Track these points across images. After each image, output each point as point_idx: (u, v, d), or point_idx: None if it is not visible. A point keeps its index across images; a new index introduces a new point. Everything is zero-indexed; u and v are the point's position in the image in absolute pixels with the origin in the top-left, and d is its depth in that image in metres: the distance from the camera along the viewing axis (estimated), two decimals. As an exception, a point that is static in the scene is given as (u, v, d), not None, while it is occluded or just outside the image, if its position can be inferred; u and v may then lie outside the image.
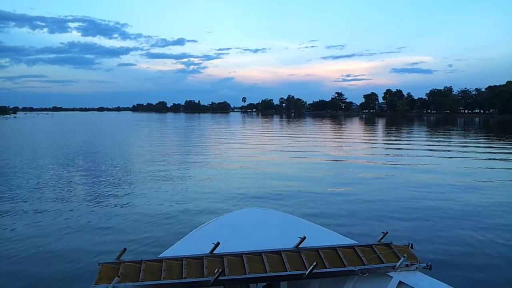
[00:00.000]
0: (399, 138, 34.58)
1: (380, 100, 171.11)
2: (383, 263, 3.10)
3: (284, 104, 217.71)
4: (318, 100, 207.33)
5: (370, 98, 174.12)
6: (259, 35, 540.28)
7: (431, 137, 35.54)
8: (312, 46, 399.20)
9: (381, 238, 3.41)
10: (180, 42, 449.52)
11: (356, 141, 31.72)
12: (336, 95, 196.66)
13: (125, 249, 3.15)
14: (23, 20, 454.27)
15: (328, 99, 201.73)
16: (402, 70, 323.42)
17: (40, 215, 9.22)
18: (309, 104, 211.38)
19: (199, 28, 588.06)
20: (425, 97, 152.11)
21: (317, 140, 32.31)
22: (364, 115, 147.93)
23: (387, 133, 42.54)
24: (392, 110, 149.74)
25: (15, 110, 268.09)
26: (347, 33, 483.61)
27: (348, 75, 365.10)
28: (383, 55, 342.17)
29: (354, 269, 3.03)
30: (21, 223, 8.54)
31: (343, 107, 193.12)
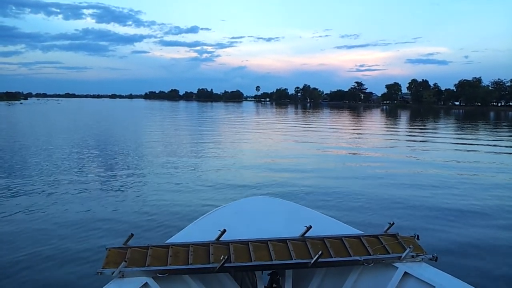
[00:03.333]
0: (423, 132, 33.69)
1: (404, 90, 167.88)
2: (389, 253, 3.17)
3: (299, 94, 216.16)
4: (335, 90, 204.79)
5: (393, 88, 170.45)
6: (272, 24, 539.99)
7: (460, 132, 34.84)
8: (326, 35, 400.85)
9: (387, 229, 3.49)
10: (193, 30, 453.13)
11: (375, 134, 31.43)
12: (356, 84, 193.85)
13: (132, 234, 3.27)
14: (38, 6, 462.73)
15: (345, 88, 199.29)
16: (417, 61, 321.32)
17: (48, 199, 9.56)
18: (326, 94, 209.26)
19: (212, 16, 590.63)
20: (453, 88, 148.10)
21: (333, 132, 32.17)
22: (385, 107, 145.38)
23: (411, 127, 41.70)
24: (417, 102, 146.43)
25: (28, 96, 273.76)
26: (362, 23, 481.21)
27: (362, 65, 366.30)
28: (398, 45, 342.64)
29: (359, 259, 3.12)
30: (29, 208, 8.84)
31: (362, 97, 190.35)
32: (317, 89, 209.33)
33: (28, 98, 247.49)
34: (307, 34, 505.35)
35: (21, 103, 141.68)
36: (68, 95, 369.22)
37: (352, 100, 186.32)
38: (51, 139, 23.12)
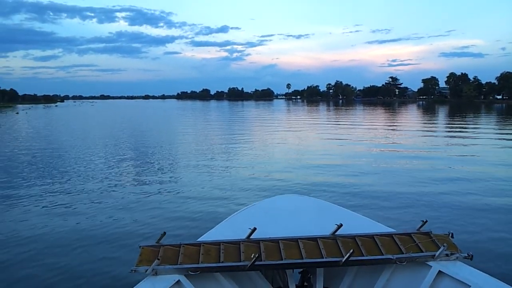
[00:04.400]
0: (463, 128, 32.20)
1: (442, 84, 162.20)
2: (422, 252, 3.13)
3: (331, 91, 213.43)
4: (369, 86, 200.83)
5: (430, 82, 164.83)
6: (302, 21, 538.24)
7: (503, 128, 33.31)
8: (356, 31, 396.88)
9: (421, 227, 3.44)
10: (223, 29, 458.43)
11: (411, 130, 30.62)
12: (390, 79, 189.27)
13: (164, 232, 3.37)
14: (74, 11, 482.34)
15: (378, 84, 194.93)
16: (452, 54, 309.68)
17: (84, 198, 9.93)
18: (358, 90, 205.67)
19: (242, 15, 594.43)
20: (494, 81, 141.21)
21: (367, 129, 31.57)
22: (421, 102, 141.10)
23: (449, 123, 40.19)
24: (456, 96, 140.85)
25: (65, 98, 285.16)
26: (393, 17, 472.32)
27: (394, 60, 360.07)
28: (431, 39, 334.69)
29: (391, 257, 3.10)
30: (65, 205, 9.25)
31: (397, 93, 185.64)
32: (349, 85, 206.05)
33: (65, 101, 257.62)
34: (337, 30, 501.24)
35: (56, 105, 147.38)
36: (103, 97, 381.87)
37: (387, 95, 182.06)
38: (91, 141, 23.95)
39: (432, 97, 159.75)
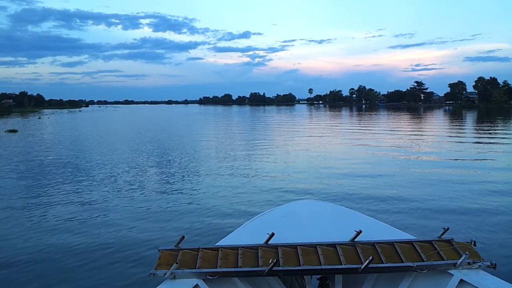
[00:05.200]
0: (491, 134, 31.13)
1: (469, 89, 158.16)
2: (443, 260, 3.08)
3: (354, 95, 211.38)
4: (393, 91, 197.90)
5: (457, 87, 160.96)
6: (324, 26, 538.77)
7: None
8: (379, 35, 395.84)
9: (442, 234, 3.38)
10: (245, 35, 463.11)
11: (436, 136, 30.02)
12: (415, 84, 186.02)
13: (183, 236, 3.39)
14: (99, 18, 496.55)
15: (401, 89, 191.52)
16: (477, 58, 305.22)
17: (104, 200, 10.22)
18: (382, 95, 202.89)
19: (264, 21, 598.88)
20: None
21: (390, 135, 31.14)
22: (448, 107, 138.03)
23: (477, 129, 38.97)
24: (484, 101, 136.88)
25: (90, 103, 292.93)
26: (417, 21, 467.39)
27: (417, 65, 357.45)
28: (456, 43, 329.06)
29: (412, 265, 3.05)
30: (85, 208, 9.49)
31: (422, 98, 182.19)
32: (373, 90, 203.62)
33: (89, 106, 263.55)
34: (360, 34, 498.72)
35: (80, 110, 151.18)
36: (127, 102, 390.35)
37: (412, 100, 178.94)
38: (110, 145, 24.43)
39: (459, 102, 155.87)
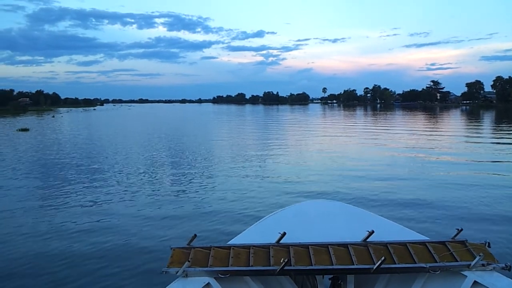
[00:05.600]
0: (509, 135, 31.03)
1: (487, 89, 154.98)
2: (457, 261, 3.06)
3: (369, 95, 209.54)
4: (408, 90, 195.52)
5: (474, 86, 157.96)
6: (338, 25, 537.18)
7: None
8: (394, 34, 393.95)
9: (455, 235, 3.36)
10: (259, 34, 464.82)
11: (452, 136, 29.60)
12: (432, 83, 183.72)
13: (195, 235, 3.42)
14: (115, 17, 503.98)
15: (416, 88, 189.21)
16: (493, 57, 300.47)
17: (116, 198, 10.35)
18: (397, 95, 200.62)
19: (278, 20, 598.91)
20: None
21: (405, 135, 30.79)
22: (465, 107, 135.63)
23: (495, 129, 38.25)
24: (503, 101, 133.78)
25: (105, 102, 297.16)
26: (432, 20, 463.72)
27: (433, 64, 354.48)
28: (472, 42, 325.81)
29: (425, 266, 3.04)
30: (99, 206, 9.64)
31: (438, 97, 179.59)
32: (388, 89, 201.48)
33: (104, 104, 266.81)
34: (374, 33, 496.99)
35: (94, 109, 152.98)
36: (141, 101, 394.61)
37: (428, 100, 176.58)
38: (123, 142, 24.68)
39: (476, 101, 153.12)
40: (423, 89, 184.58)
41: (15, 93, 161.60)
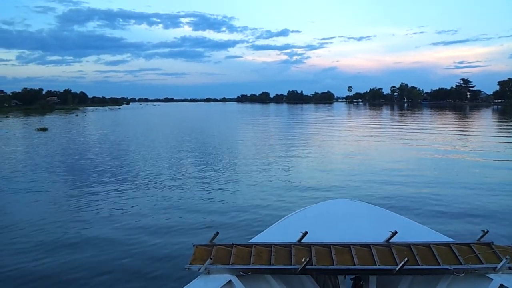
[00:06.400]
0: None
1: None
2: (482, 263, 3.01)
3: (396, 93, 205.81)
4: (437, 88, 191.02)
5: (507, 85, 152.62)
6: (363, 23, 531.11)
7: None
8: (421, 32, 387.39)
9: (481, 237, 3.30)
10: (284, 33, 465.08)
11: (485, 137, 28.71)
12: (461, 82, 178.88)
13: (217, 232, 3.47)
14: (141, 17, 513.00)
15: (444, 87, 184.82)
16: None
17: (142, 195, 10.63)
18: (425, 93, 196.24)
19: (302, 18, 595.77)
20: None
21: (436, 135, 30.09)
22: (497, 106, 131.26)
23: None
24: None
25: (131, 101, 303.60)
26: (460, 17, 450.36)
27: (461, 62, 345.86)
28: (502, 39, 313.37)
29: (449, 268, 3.00)
30: (124, 203, 9.88)
31: (468, 96, 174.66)
32: (416, 87, 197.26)
33: (131, 103, 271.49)
34: (401, 31, 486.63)
35: (119, 108, 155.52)
36: (167, 100, 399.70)
37: (457, 99, 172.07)
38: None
39: (509, 100, 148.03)
40: (452, 87, 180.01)
41: (43, 92, 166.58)
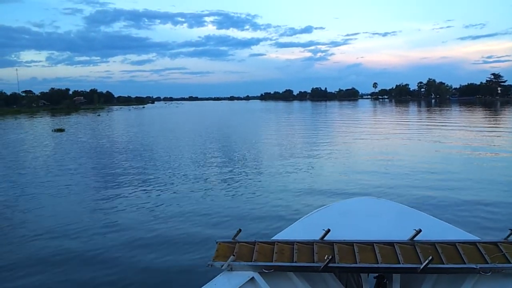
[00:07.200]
0: None
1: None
2: (510, 263, 2.96)
3: (423, 89, 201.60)
4: (466, 84, 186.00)
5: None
6: (388, 18, 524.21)
7: None
8: (448, 27, 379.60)
9: (508, 236, 3.25)
10: (307, 30, 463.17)
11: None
12: (492, 77, 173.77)
13: (240, 229, 3.52)
14: (166, 17, 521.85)
15: (473, 82, 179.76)
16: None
17: (166, 192, 10.88)
18: (454, 89, 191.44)
19: (326, 15, 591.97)
20: None
21: (466, 132, 29.36)
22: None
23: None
24: None
25: (156, 100, 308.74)
26: (489, 10, 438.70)
27: (489, 57, 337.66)
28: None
29: (475, 267, 2.97)
30: (148, 199, 10.14)
31: (499, 91, 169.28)
32: (444, 83, 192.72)
33: (156, 102, 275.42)
34: (427, 26, 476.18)
35: (143, 107, 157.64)
36: (191, 98, 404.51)
37: (488, 94, 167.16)
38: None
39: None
40: (482, 83, 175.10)
41: (70, 92, 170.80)
